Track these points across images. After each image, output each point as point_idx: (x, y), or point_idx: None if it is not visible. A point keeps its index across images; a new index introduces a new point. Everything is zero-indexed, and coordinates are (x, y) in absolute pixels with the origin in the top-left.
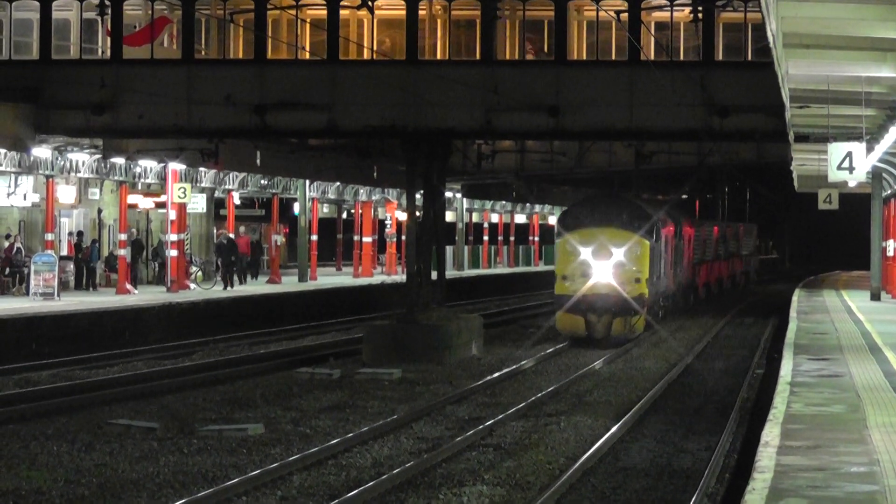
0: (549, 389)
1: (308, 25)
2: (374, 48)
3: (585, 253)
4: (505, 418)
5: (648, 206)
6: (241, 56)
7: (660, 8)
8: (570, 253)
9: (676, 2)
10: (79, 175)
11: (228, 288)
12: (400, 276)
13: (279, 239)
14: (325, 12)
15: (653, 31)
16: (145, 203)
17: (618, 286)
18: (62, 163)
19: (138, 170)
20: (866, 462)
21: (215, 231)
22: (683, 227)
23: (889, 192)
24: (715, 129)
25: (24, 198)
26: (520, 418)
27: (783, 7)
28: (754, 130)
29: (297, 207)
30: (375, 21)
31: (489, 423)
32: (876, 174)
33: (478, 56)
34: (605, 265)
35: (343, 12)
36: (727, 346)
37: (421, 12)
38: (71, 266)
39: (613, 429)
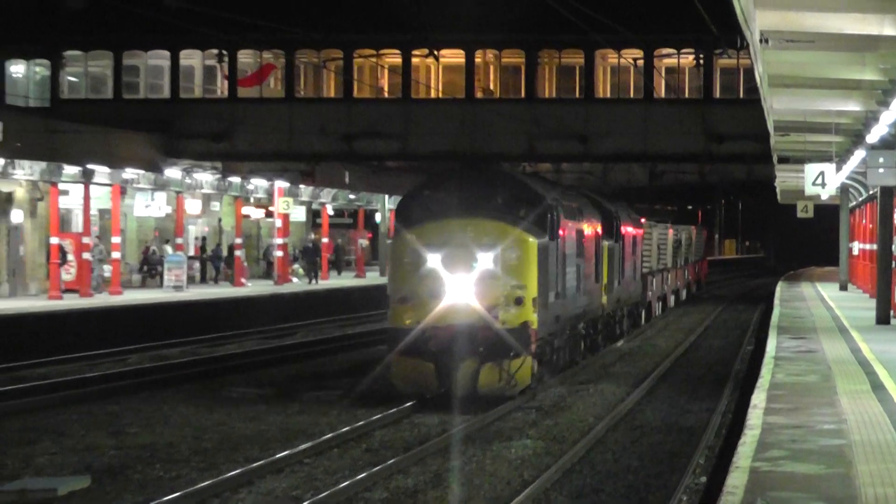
0: (581, 363)
1: (386, 70)
2: (440, 88)
3: (433, 260)
4: (544, 386)
5: (541, 184)
6: (332, 95)
7: (668, 55)
8: (409, 261)
9: (682, 50)
10: (202, 191)
11: (313, 282)
12: None
13: (364, 242)
14: (400, 60)
15: (663, 75)
16: (256, 213)
17: (484, 311)
18: (189, 181)
19: (250, 186)
20: (836, 421)
21: (312, 236)
22: (623, 224)
23: (854, 203)
24: (713, 153)
25: (159, 209)
26: (557, 386)
27: (767, 54)
28: (745, 154)
29: (378, 217)
30: (440, 66)
31: (532, 390)
32: (844, 189)
33: (522, 95)
34: (464, 279)
35: (414, 59)
36: (724, 327)
37: (476, 59)
38: (197, 264)
39: (632, 394)
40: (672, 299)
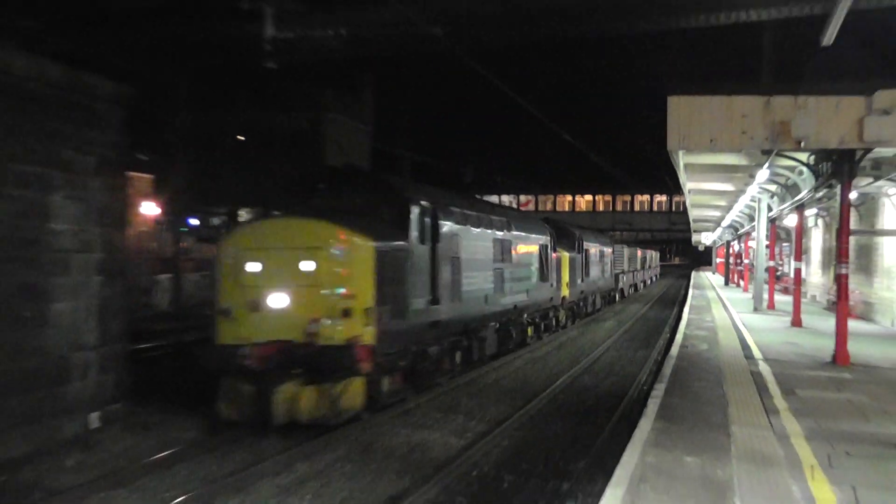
0: (624, 303)
1: (567, 202)
2: (583, 208)
3: (253, 265)
4: (614, 307)
5: (422, 190)
6: (548, 209)
7: (658, 196)
8: (230, 267)
9: (662, 194)
10: None
11: None
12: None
13: None
14: (570, 198)
15: (655, 202)
16: None
17: (304, 326)
18: None
19: None
20: (711, 317)
21: None
22: (586, 243)
23: (718, 245)
24: (671, 229)
25: None
26: (614, 305)
27: (692, 196)
28: (683, 229)
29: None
30: (584, 200)
31: (612, 305)
32: (714, 241)
33: (611, 209)
34: (282, 288)
35: (577, 198)
36: (674, 287)
37: (596, 198)
38: None
39: (643, 308)
40: (641, 286)
